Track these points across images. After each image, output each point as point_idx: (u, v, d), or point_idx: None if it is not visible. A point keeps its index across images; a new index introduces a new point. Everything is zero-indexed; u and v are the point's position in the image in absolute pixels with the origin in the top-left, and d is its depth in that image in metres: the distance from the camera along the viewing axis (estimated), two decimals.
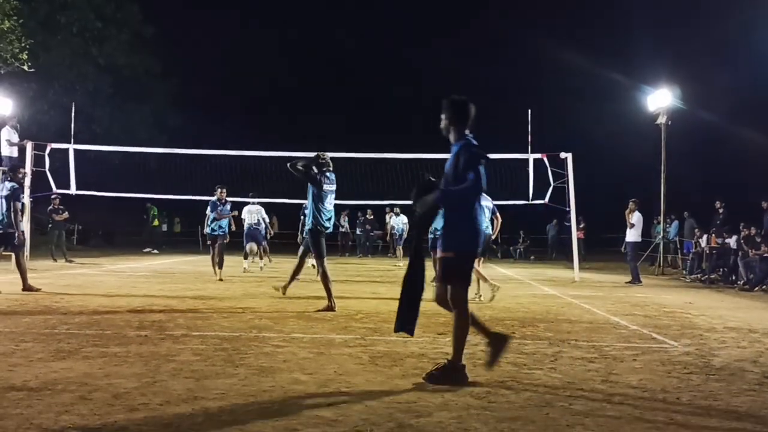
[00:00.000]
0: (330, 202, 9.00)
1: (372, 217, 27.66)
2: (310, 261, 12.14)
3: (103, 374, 4.94)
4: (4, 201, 10.56)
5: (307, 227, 9.08)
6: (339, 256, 26.50)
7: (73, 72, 27.94)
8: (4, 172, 15.49)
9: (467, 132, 5.17)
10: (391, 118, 39.48)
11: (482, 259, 11.19)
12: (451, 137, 5.18)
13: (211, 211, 13.65)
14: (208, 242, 14.10)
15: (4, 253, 10.80)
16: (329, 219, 9.00)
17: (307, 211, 9.15)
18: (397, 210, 23.42)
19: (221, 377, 4.93)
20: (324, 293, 8.99)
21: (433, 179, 5.23)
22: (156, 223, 26.87)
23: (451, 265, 5.01)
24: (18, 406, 4.07)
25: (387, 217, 25.48)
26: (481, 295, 10.72)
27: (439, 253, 5.10)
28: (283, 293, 10.10)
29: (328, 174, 9.01)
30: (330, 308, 8.84)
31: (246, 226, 16.58)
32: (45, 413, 3.93)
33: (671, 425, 4.03)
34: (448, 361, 4.99)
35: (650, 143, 22.48)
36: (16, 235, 10.51)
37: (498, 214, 11.39)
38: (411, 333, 5.18)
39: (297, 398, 4.42)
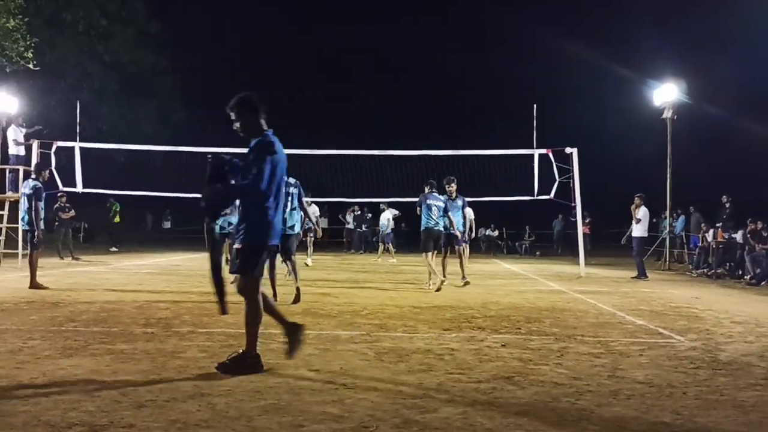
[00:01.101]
0: (288, 204, 9.17)
1: (360, 212, 27.56)
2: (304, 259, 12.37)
3: (110, 371, 4.96)
4: (26, 199, 10.58)
5: None
6: (345, 252, 26.53)
7: (78, 70, 28.03)
8: (17, 171, 15.56)
9: (264, 126, 5.16)
10: (396, 115, 39.49)
11: (435, 252, 11.78)
12: (250, 134, 5.13)
13: None
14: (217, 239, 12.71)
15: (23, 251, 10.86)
16: (284, 220, 9.11)
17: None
18: (383, 206, 23.50)
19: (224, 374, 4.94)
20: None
21: (226, 158, 5.20)
22: (117, 219, 26.18)
23: (243, 257, 5.07)
24: (26, 403, 4.09)
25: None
26: (430, 284, 11.60)
27: (236, 245, 5.16)
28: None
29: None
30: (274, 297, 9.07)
31: None
32: (52, 410, 3.95)
33: (678, 420, 4.03)
34: (243, 351, 5.05)
35: (656, 138, 22.39)
36: (36, 234, 10.56)
37: (450, 213, 11.88)
38: (226, 312, 5.28)
39: (303, 394, 4.42)
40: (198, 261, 19.30)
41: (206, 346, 5.95)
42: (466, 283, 12.02)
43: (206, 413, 3.96)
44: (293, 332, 5.24)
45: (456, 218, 12.23)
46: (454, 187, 12.35)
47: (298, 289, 9.33)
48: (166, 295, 9.93)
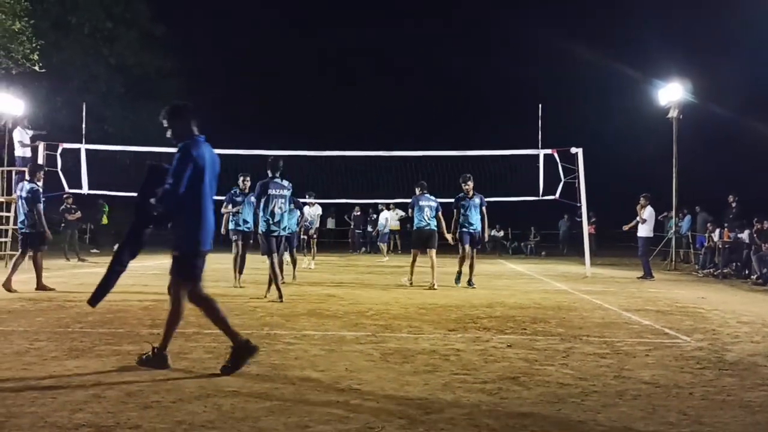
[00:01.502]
0: (279, 206, 9.51)
1: (359, 213, 27.57)
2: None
3: (116, 372, 4.98)
4: (24, 202, 10.56)
5: (260, 230, 9.60)
6: (350, 253, 26.54)
7: (84, 72, 28.10)
8: (23, 173, 15.56)
9: (195, 132, 5.25)
10: (399, 116, 39.51)
11: (424, 250, 12.13)
12: (181, 141, 5.22)
13: (227, 204, 11.53)
14: (233, 238, 11.60)
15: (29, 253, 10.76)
16: (278, 222, 9.53)
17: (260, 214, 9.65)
18: (381, 206, 23.63)
19: (233, 374, 4.95)
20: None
21: (166, 166, 5.25)
22: (105, 221, 25.38)
23: (178, 264, 5.19)
24: (32, 404, 4.11)
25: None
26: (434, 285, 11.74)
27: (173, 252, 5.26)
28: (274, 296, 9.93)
29: (276, 180, 9.53)
30: (280, 297, 9.46)
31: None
32: (59, 411, 3.96)
33: (684, 420, 4.02)
34: (154, 347, 5.17)
35: (661, 138, 22.35)
36: (45, 235, 10.55)
37: (440, 212, 12.22)
38: (92, 305, 5.36)
39: (308, 395, 4.43)
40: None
41: (212, 347, 5.96)
42: (472, 288, 11.99)
43: (212, 414, 3.97)
44: (242, 351, 5.08)
45: (475, 216, 12.31)
46: (470, 185, 12.36)
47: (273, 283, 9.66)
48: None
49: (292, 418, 3.91)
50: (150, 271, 15.34)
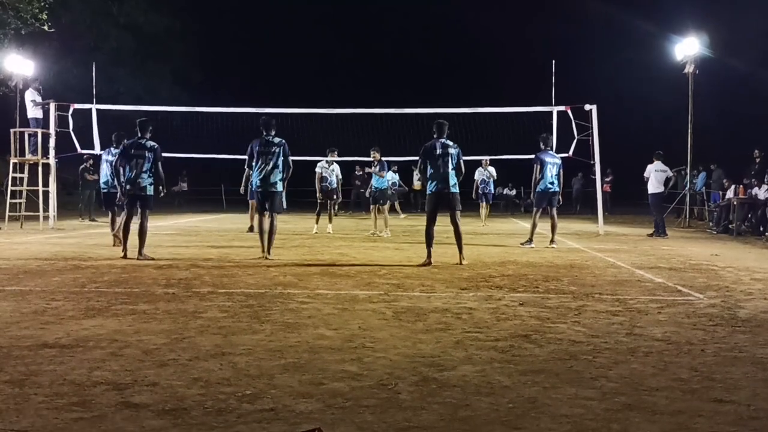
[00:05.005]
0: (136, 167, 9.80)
1: (361, 172, 27.00)
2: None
3: (132, 331, 5.04)
4: (109, 165, 11.16)
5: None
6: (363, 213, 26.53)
7: (93, 32, 27.98)
8: (47, 134, 15.80)
9: None
10: (413, 72, 39.11)
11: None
12: None
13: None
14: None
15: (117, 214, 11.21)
16: (130, 180, 9.79)
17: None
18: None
19: (248, 333, 5.01)
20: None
21: None
22: None
23: None
24: (51, 362, 4.18)
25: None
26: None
27: None
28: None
29: (140, 140, 9.90)
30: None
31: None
32: (77, 369, 4.03)
33: (696, 377, 4.03)
34: None
35: (678, 94, 22.00)
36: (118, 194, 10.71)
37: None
38: None
39: (322, 353, 4.47)
40: (217, 222, 19.46)
41: (226, 306, 6.02)
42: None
43: (228, 372, 4.02)
44: None
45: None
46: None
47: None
48: (186, 257, 10.04)
49: (306, 376, 3.96)
50: (163, 231, 15.44)
